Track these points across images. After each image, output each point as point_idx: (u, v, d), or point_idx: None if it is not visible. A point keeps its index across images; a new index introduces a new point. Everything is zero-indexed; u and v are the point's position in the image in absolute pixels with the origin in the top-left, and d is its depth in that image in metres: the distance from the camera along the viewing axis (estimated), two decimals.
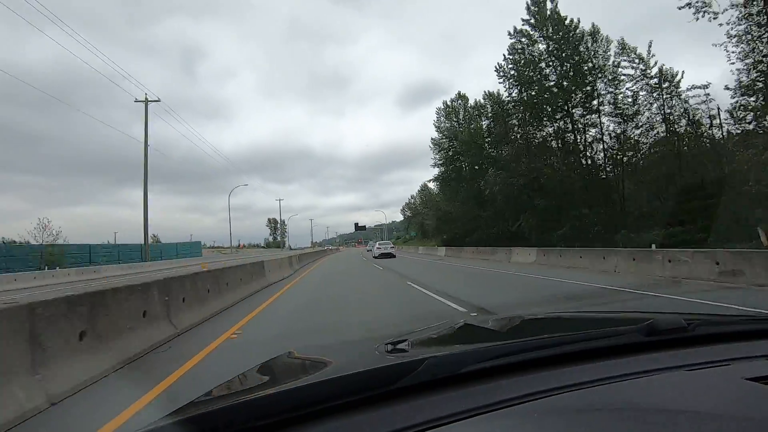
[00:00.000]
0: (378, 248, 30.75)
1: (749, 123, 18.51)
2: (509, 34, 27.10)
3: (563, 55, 25.28)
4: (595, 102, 25.07)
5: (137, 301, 4.50)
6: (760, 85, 17.12)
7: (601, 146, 25.87)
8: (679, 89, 22.30)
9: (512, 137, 29.80)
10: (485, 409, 0.67)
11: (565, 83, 25.32)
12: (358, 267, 20.49)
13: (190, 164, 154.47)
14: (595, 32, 24.77)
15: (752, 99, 17.68)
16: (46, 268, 26.15)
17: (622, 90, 24.34)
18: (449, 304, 7.19)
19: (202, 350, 4.50)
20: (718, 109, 21.42)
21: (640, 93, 23.44)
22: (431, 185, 74.27)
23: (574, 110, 25.79)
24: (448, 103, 42.37)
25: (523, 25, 26.41)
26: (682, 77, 22.30)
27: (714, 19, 17.21)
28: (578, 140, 26.54)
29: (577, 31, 24.96)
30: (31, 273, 21.83)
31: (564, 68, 25.36)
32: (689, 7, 17.34)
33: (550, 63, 26.14)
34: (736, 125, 20.12)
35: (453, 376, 0.77)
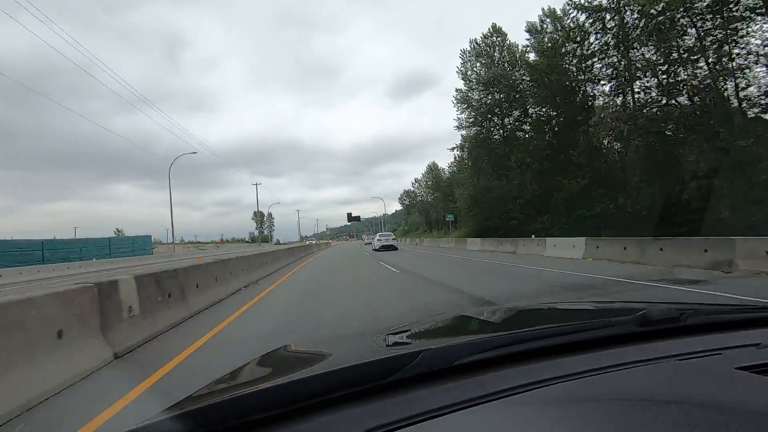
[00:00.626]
0: (378, 240, 28.93)
1: None
2: None
3: None
4: None
5: None
6: None
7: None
8: None
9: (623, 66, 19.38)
10: (482, 400, 0.68)
11: None
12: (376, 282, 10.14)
13: (174, 157, 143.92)
14: None
15: None
16: None
17: None
18: None
19: None
20: None
21: None
22: (444, 165, 65.67)
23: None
24: (479, 41, 31.22)
25: None
26: None
27: None
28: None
29: None
30: None
31: None
32: None
33: None
34: None
35: (450, 368, 0.78)
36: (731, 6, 15.03)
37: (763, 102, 15.05)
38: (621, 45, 19.11)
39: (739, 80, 15.64)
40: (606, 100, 21.91)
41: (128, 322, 4.38)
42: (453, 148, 37.56)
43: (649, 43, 17.48)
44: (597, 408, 0.63)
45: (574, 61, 22.10)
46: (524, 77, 27.72)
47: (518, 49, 30.16)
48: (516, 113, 30.01)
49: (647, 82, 18.41)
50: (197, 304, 6.44)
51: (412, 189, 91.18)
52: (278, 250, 18.64)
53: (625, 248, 10.87)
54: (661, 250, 9.63)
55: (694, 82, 16.42)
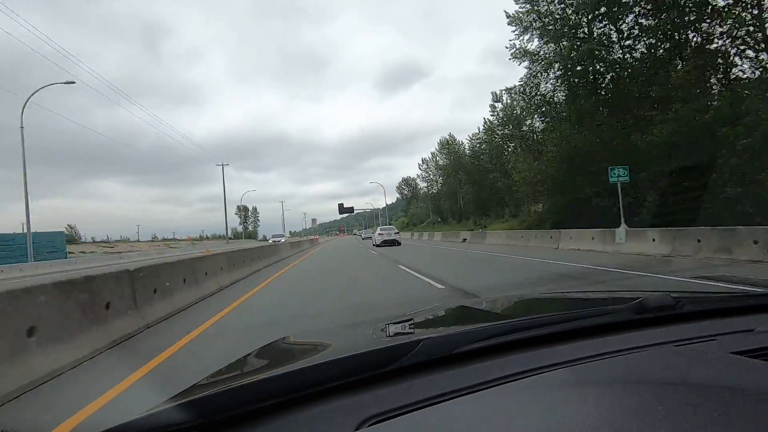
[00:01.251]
0: (380, 235, 25.42)
1: None
2: None
3: None
4: None
5: None
6: None
7: None
8: None
9: None
10: (481, 387, 0.69)
11: None
12: None
13: (160, 153, 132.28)
14: None
15: None
16: None
17: None
18: None
19: None
20: None
21: None
22: (462, 139, 57.34)
23: None
24: None
25: None
26: None
27: None
28: None
29: None
30: None
31: None
32: None
33: None
34: None
35: (449, 356, 0.79)
36: None
37: None
38: None
39: None
40: None
41: None
42: (509, 90, 30.16)
43: None
44: (595, 391, 0.63)
45: None
46: None
47: None
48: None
49: None
50: None
51: (419, 172, 76.37)
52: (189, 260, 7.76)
53: None
54: None
55: None
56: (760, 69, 15.09)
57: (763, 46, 14.72)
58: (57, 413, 2.55)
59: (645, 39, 18.54)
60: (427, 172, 71.12)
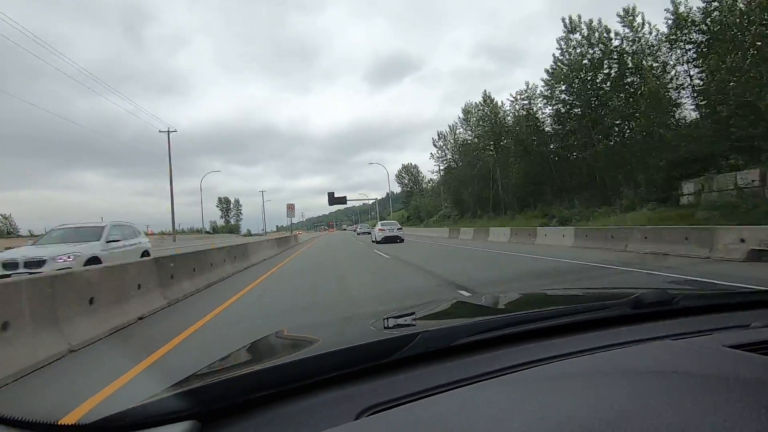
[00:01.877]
0: (381, 230, 22.07)
1: None
2: None
3: None
4: None
5: None
6: None
7: None
8: None
9: None
10: (479, 378, 0.70)
11: None
12: None
13: (142, 144, 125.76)
14: None
15: None
16: None
17: None
18: None
19: None
20: None
21: None
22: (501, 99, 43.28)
23: None
24: None
25: None
26: None
27: None
28: None
29: None
30: None
31: None
32: None
33: None
34: None
35: (447, 349, 0.80)
36: None
37: None
38: None
39: None
40: None
41: None
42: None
43: None
44: (592, 381, 0.64)
45: None
46: None
47: None
48: None
49: None
50: None
51: (433, 151, 58.76)
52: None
53: None
54: None
55: None
56: None
57: None
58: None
59: None
60: (443, 152, 53.29)
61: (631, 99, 23.58)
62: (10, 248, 9.53)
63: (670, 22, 22.25)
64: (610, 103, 24.83)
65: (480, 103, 42.00)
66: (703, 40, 20.46)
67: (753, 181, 14.26)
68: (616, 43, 25.62)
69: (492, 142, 38.18)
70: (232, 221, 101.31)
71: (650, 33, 24.39)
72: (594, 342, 0.83)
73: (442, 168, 54.60)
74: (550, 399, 0.59)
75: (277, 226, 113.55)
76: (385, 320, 1.17)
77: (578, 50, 27.42)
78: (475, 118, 42.95)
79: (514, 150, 35.16)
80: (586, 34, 26.96)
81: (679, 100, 22.90)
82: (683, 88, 22.91)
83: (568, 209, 24.46)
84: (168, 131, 39.31)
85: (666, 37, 22.84)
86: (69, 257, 7.62)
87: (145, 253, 9.96)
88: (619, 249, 10.69)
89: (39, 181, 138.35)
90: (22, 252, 8.03)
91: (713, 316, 1.00)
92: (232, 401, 0.67)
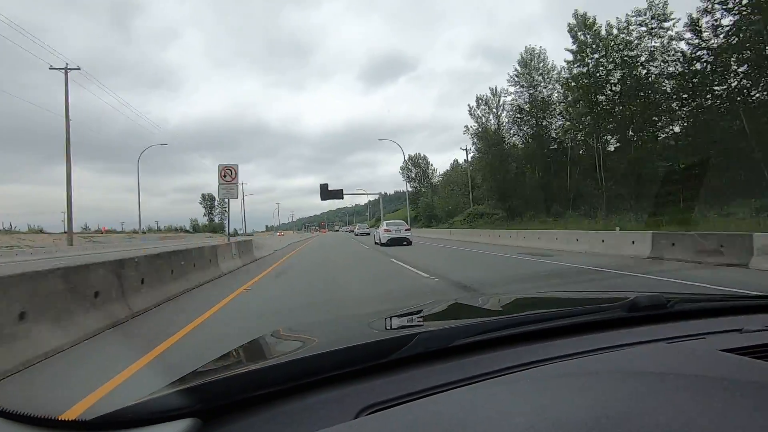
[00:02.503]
0: (386, 231, 19.54)
1: None
2: None
3: None
4: None
5: None
6: None
7: None
8: None
9: None
10: (477, 379, 0.71)
11: None
12: None
13: (131, 140, 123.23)
14: None
15: None
16: None
17: None
18: None
19: None
20: None
21: None
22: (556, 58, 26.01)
23: None
24: None
25: None
26: None
27: None
28: None
29: None
30: None
31: None
32: None
33: None
34: None
35: (446, 349, 0.81)
36: None
37: None
38: None
39: None
40: None
41: None
42: None
43: None
44: (589, 382, 0.65)
45: None
46: None
47: None
48: None
49: None
50: None
51: (470, 123, 39.26)
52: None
53: None
54: None
55: None
56: None
57: None
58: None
59: None
60: (485, 120, 37.70)
61: None
62: None
63: None
64: None
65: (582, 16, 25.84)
66: None
67: None
68: None
69: (589, 99, 23.88)
70: (216, 219, 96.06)
71: None
72: (591, 344, 0.84)
73: (479, 146, 38.26)
74: (548, 399, 0.60)
75: (266, 226, 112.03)
76: (385, 320, 1.18)
77: None
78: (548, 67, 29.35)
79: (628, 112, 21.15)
80: None
81: None
82: None
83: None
84: (66, 69, 27.22)
85: None
86: None
87: None
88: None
89: (20, 176, 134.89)
90: None
91: (707, 320, 1.02)
92: (232, 399, 0.67)
